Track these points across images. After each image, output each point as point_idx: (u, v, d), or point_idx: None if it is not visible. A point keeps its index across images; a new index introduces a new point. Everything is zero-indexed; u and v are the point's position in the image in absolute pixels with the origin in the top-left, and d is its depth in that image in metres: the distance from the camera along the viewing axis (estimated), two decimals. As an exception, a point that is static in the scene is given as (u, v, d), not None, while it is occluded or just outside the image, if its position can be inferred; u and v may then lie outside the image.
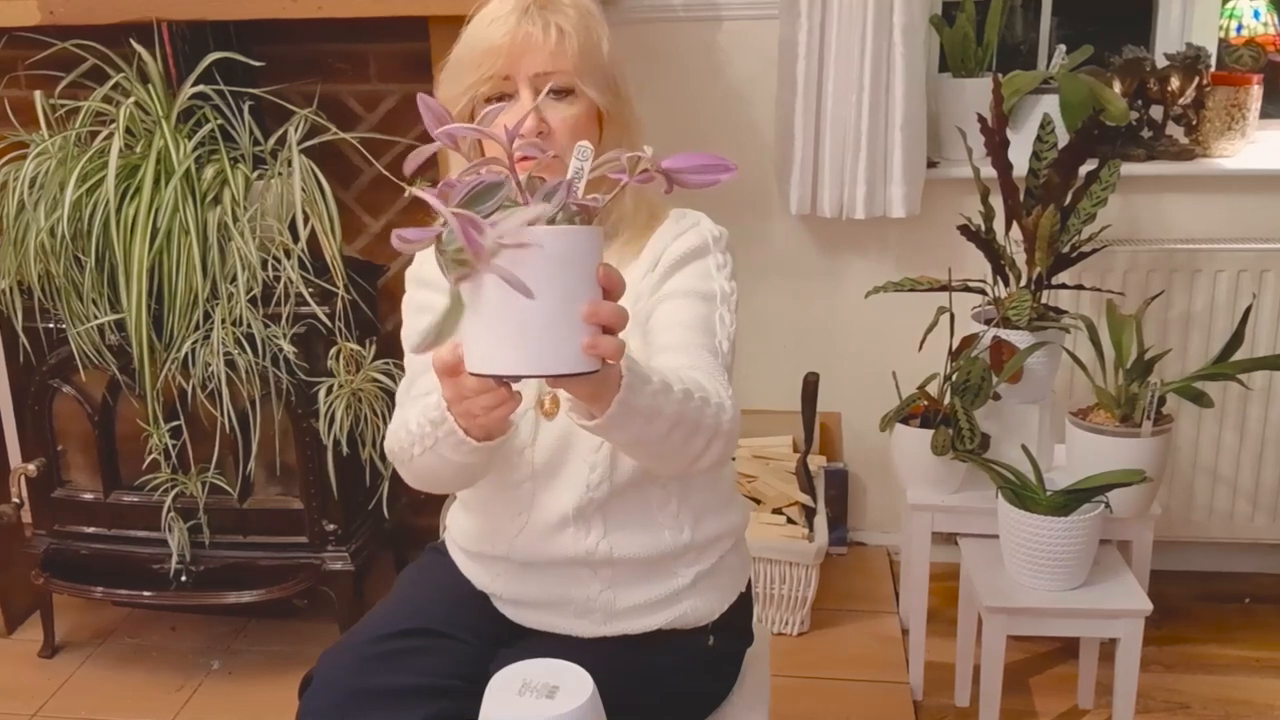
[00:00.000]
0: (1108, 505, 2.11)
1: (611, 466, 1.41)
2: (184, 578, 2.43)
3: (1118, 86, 2.60)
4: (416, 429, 1.30)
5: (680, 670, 1.49)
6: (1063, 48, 2.70)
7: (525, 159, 1.34)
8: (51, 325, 2.34)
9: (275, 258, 2.21)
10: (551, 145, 1.35)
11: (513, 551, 1.47)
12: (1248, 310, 2.26)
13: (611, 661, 1.36)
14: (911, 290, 2.36)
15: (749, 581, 1.61)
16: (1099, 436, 2.17)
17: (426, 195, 0.97)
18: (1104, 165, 2.30)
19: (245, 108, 2.30)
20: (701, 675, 1.53)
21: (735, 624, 1.57)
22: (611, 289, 1.04)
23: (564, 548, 1.44)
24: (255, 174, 2.27)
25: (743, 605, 1.58)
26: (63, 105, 2.31)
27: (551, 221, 0.96)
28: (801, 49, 2.55)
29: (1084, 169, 2.31)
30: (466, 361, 1.01)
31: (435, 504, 2.04)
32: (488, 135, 1.09)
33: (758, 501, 2.65)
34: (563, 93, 1.37)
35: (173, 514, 2.40)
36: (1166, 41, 2.74)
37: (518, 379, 1.02)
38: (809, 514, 2.65)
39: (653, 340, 1.40)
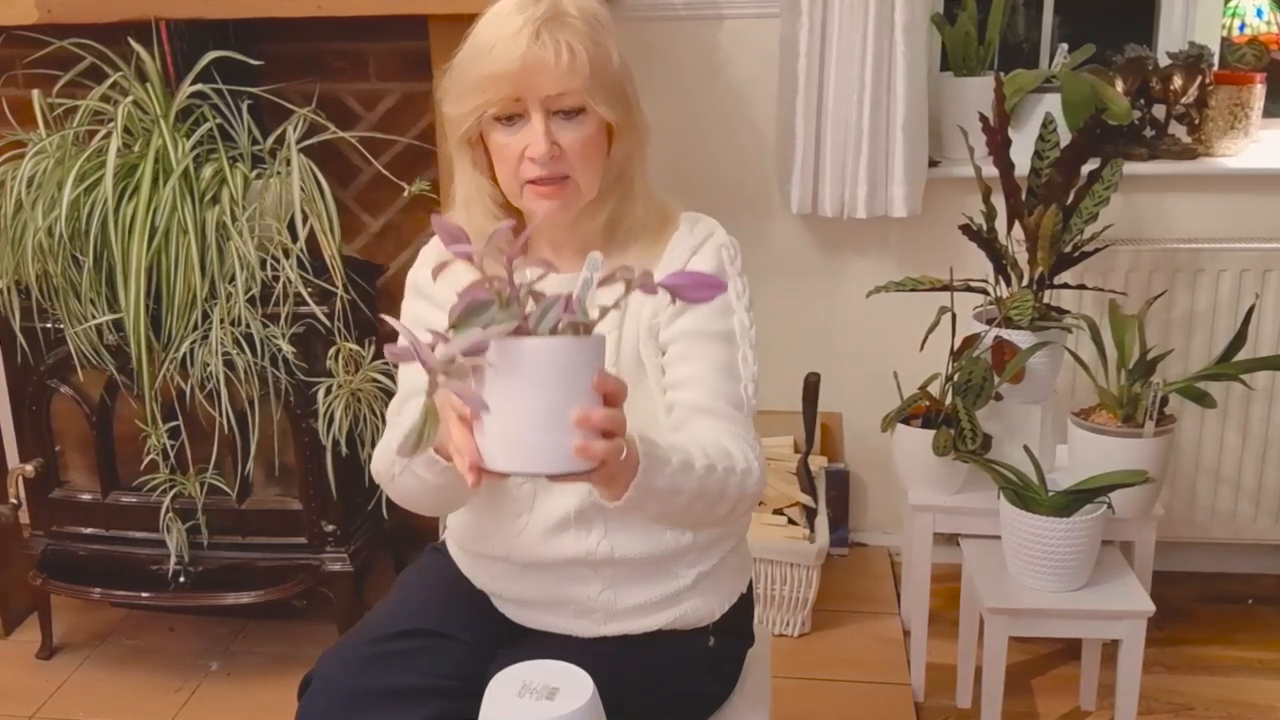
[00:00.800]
0: (1110, 506, 2.10)
1: None
2: (182, 579, 2.42)
3: (1120, 85, 2.60)
4: (397, 447, 1.32)
5: (680, 671, 1.49)
6: (1065, 46, 2.69)
7: (538, 181, 1.36)
8: (49, 325, 2.33)
9: (274, 257, 2.20)
10: (563, 166, 1.36)
11: (513, 552, 1.47)
12: (1250, 310, 2.26)
13: (612, 662, 1.36)
14: (913, 290, 2.35)
15: (750, 582, 1.61)
16: (1101, 437, 2.16)
17: (395, 323, 1.06)
18: (1106, 164, 2.29)
19: (244, 107, 2.29)
20: (702, 676, 1.53)
21: (736, 625, 1.57)
22: (611, 396, 1.08)
23: (565, 548, 1.44)
24: (254, 173, 2.26)
25: (743, 606, 1.58)
26: (60, 104, 2.30)
27: (554, 330, 1.04)
28: (803, 48, 2.54)
29: (1086, 168, 2.31)
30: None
31: (434, 505, 2.03)
32: (491, 255, 1.10)
33: (759, 502, 2.63)
34: (573, 112, 1.36)
35: (171, 514, 2.40)
36: (1169, 40, 2.73)
37: (516, 476, 1.09)
38: (810, 515, 2.64)
39: (676, 389, 1.41)
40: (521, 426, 1.04)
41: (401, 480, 1.36)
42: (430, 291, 1.47)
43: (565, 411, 1.03)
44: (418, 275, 1.52)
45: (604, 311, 1.10)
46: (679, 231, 1.47)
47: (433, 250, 1.53)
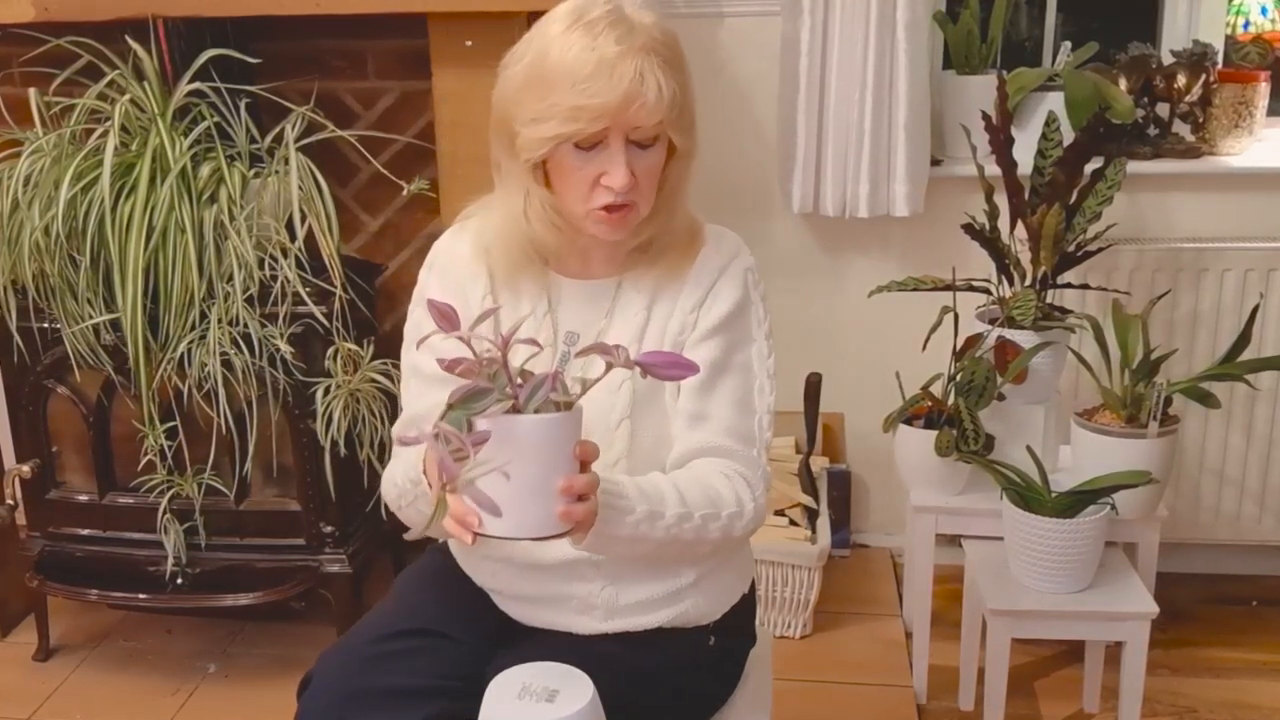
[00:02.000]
0: (1113, 507, 2.09)
1: None
2: (180, 580, 2.41)
3: (1123, 84, 2.58)
4: (402, 482, 1.37)
5: (681, 670, 1.48)
6: (1068, 44, 2.68)
7: (613, 208, 1.35)
8: (46, 325, 2.32)
9: (272, 257, 2.19)
10: (635, 194, 1.34)
11: (514, 554, 1.46)
12: (1255, 310, 2.25)
13: (612, 661, 1.36)
14: (915, 290, 2.34)
15: (752, 582, 1.61)
16: (1104, 437, 2.15)
17: (421, 437, 1.12)
18: (1109, 163, 2.29)
19: (242, 105, 2.28)
20: (702, 676, 1.52)
21: (737, 624, 1.56)
22: (586, 462, 1.18)
23: (566, 550, 1.42)
24: (252, 172, 2.25)
25: (745, 606, 1.58)
26: (57, 103, 2.29)
27: (538, 409, 1.12)
28: (804, 46, 2.53)
29: (1089, 167, 2.30)
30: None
31: (433, 506, 2.02)
32: (486, 340, 1.15)
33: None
34: (649, 141, 1.34)
35: (168, 516, 2.38)
36: (1173, 38, 2.72)
37: (506, 540, 1.17)
38: (811, 516, 2.63)
39: (687, 425, 1.42)
40: (513, 496, 1.12)
41: (410, 512, 1.40)
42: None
43: (551, 481, 1.13)
44: (426, 281, 1.51)
45: (586, 386, 1.16)
46: (706, 248, 1.47)
47: (441, 254, 1.51)
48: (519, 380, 1.13)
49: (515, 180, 1.40)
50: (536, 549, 1.44)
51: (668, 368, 1.17)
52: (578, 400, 1.15)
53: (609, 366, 1.15)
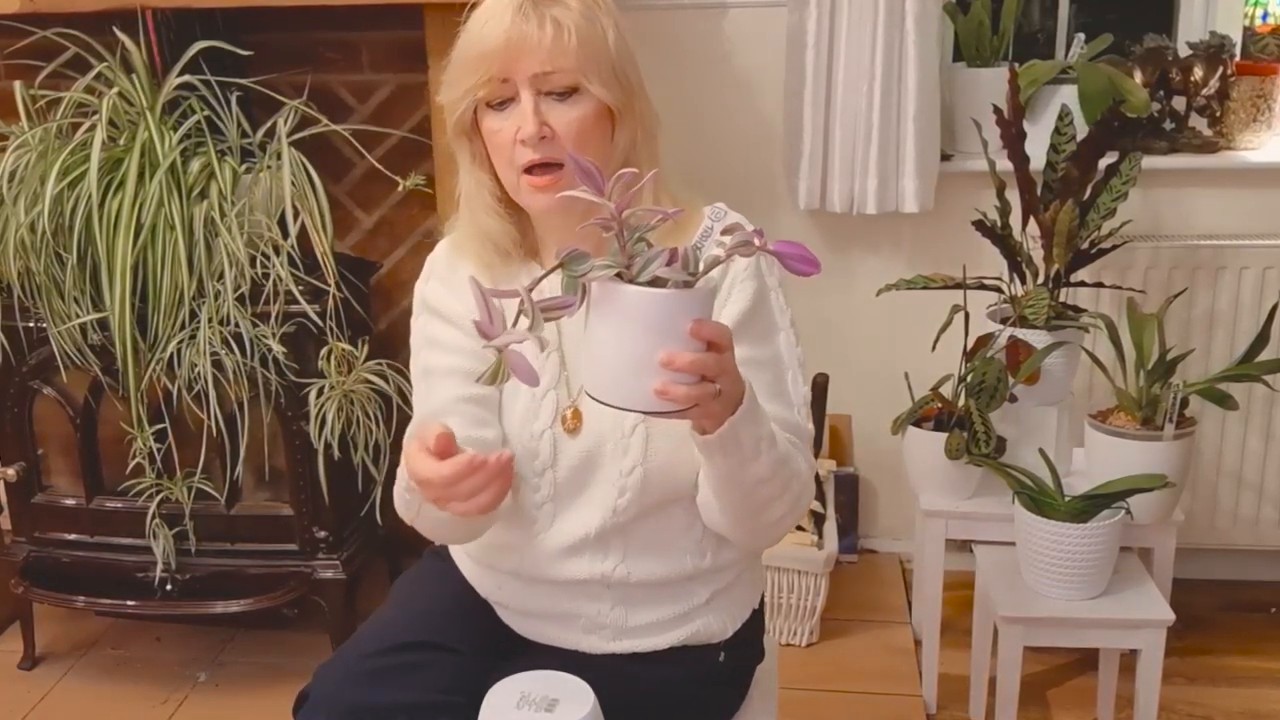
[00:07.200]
0: (1128, 511, 2.08)
1: (641, 490, 1.36)
2: (169, 587, 2.40)
3: (1138, 76, 2.57)
4: (401, 491, 1.33)
5: (688, 686, 1.45)
6: (1081, 36, 2.68)
7: (532, 169, 1.32)
8: (32, 324, 2.31)
9: (264, 254, 2.17)
10: (556, 150, 1.31)
11: (523, 568, 1.43)
12: (1273, 309, 2.22)
13: (617, 678, 1.34)
14: (925, 288, 2.32)
15: (762, 597, 1.57)
16: (1119, 440, 2.14)
17: (471, 282, 1.10)
18: (1124, 158, 2.27)
19: (233, 98, 2.27)
20: (710, 690, 1.49)
21: (747, 641, 1.53)
22: (713, 343, 1.10)
23: (578, 570, 1.40)
24: (243, 167, 2.24)
25: (755, 622, 1.55)
26: (43, 96, 2.28)
27: (655, 281, 1.09)
28: (811, 38, 2.51)
29: (1104, 162, 2.27)
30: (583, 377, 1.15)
31: (429, 510, 2.00)
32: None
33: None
34: (566, 93, 1.31)
35: (157, 520, 2.36)
36: (1189, 30, 2.70)
37: (609, 406, 1.12)
38: (818, 520, 2.61)
39: None
40: (614, 363, 1.10)
41: (424, 520, 1.34)
42: (440, 307, 1.43)
43: (654, 356, 1.09)
44: (426, 290, 1.48)
45: (710, 265, 1.10)
46: (702, 229, 1.41)
47: (439, 262, 1.48)
48: (642, 249, 1.10)
49: (460, 166, 1.41)
50: (549, 563, 1.40)
51: (798, 261, 1.10)
52: (700, 279, 1.10)
53: (732, 250, 1.11)
